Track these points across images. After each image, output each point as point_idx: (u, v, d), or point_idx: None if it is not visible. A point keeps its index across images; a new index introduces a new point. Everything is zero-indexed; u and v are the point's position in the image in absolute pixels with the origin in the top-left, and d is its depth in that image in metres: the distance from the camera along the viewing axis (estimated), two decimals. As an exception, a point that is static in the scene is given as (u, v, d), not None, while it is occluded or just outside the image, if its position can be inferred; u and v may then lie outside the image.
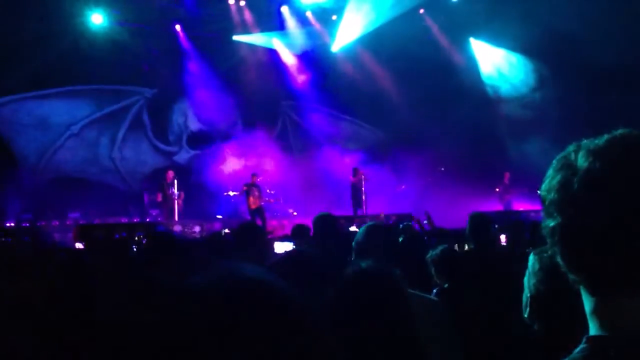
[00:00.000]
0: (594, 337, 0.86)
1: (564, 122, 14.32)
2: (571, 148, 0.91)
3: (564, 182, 0.88)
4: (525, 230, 7.11)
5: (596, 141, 0.89)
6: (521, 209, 14.97)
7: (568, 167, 0.88)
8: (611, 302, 0.84)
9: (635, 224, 0.81)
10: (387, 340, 0.59)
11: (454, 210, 15.02)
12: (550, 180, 0.91)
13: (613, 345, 0.83)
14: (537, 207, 15.06)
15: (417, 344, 0.66)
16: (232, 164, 16.82)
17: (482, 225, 4.75)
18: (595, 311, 0.86)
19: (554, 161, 0.92)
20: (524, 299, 1.80)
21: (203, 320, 0.63)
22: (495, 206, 15.29)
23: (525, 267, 1.85)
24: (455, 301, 2.86)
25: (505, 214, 14.29)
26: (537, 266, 1.76)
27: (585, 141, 0.90)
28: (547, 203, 0.91)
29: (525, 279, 1.81)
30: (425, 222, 7.76)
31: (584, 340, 0.87)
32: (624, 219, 0.81)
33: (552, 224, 0.89)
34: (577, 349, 0.87)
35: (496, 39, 17.61)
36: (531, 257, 1.83)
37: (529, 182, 16.12)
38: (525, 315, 1.78)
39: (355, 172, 15.02)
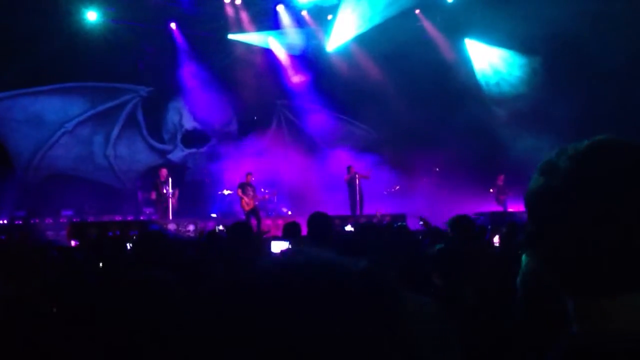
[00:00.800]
0: (573, 336, 0.87)
1: (561, 121, 14.34)
2: (555, 152, 0.92)
3: (544, 185, 0.90)
4: (518, 231, 7.14)
5: (577, 145, 0.90)
6: (516, 210, 14.99)
7: (550, 171, 0.90)
8: (592, 303, 0.86)
9: (613, 226, 0.82)
10: (380, 342, 0.59)
11: (450, 211, 15.08)
12: (532, 184, 0.93)
13: (592, 344, 0.84)
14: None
15: (411, 345, 0.66)
16: (226, 163, 16.80)
17: (459, 224, 4.85)
18: (576, 311, 0.88)
19: (538, 165, 0.94)
20: (517, 298, 1.80)
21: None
22: (492, 207, 15.32)
23: (518, 267, 1.85)
24: (450, 300, 2.86)
25: (500, 214, 14.32)
26: (529, 266, 1.77)
27: (568, 145, 0.92)
28: (529, 206, 0.93)
29: (518, 279, 1.82)
30: (421, 223, 7.78)
31: (565, 338, 0.88)
32: (601, 221, 0.83)
33: (532, 225, 0.91)
34: (557, 348, 0.88)
35: (491, 37, 17.61)
36: (524, 257, 1.83)
37: (524, 183, 16.17)
38: (517, 314, 1.78)
39: (348, 169, 15.02)
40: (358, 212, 14.62)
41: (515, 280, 1.86)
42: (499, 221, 11.94)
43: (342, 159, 16.74)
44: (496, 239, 6.83)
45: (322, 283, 0.65)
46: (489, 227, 8.48)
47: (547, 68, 16.37)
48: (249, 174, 13.86)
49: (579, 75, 15.01)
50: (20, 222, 13.65)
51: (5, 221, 13.80)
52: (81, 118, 16.23)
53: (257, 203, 13.50)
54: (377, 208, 14.55)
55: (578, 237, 0.84)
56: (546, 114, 15.59)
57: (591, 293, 0.85)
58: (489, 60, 18.44)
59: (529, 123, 15.95)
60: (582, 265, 0.84)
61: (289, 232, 5.21)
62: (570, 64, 15.21)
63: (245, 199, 13.30)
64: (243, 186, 13.46)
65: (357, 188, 14.80)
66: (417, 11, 17.87)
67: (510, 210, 15.17)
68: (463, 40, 18.55)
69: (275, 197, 15.40)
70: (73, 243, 8.45)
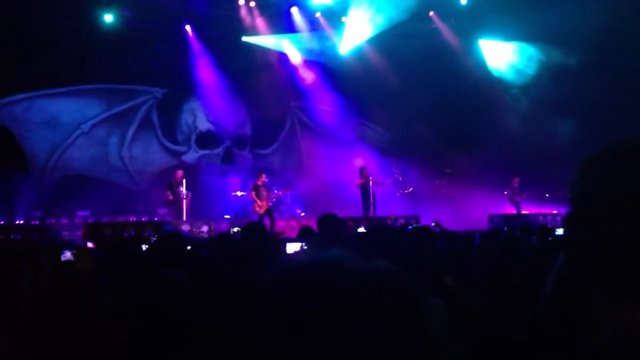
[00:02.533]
0: (606, 337, 0.87)
1: (582, 118, 14.14)
2: (598, 150, 0.91)
3: (588, 185, 0.89)
4: (532, 233, 7.11)
5: (621, 143, 0.89)
6: (530, 212, 14.92)
7: (594, 170, 0.89)
8: (627, 304, 0.85)
9: None
10: (400, 343, 0.61)
11: (463, 213, 15.04)
12: (576, 182, 0.92)
13: (625, 346, 0.83)
14: (545, 210, 15.02)
15: (430, 346, 0.68)
16: (240, 164, 16.89)
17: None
18: (610, 311, 0.87)
19: (581, 163, 0.93)
20: (544, 295, 1.79)
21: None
22: (507, 209, 15.26)
23: (532, 269, 1.86)
24: (462, 301, 2.86)
25: (514, 217, 14.26)
26: (566, 264, 1.76)
27: (610, 142, 0.91)
28: (572, 204, 0.92)
29: (550, 276, 1.80)
30: (433, 224, 7.78)
31: (596, 339, 0.88)
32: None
33: (575, 224, 0.90)
34: (589, 348, 0.88)
35: (506, 33, 17.44)
36: (560, 255, 1.82)
37: (539, 186, 16.07)
38: (542, 312, 1.78)
39: (361, 172, 14.99)
40: (371, 214, 14.61)
41: (529, 282, 1.87)
42: (514, 223, 11.90)
43: (355, 161, 16.76)
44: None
45: (341, 283, 0.67)
46: (505, 228, 8.45)
47: (566, 57, 15.95)
48: (261, 174, 13.89)
49: (603, 66, 14.67)
50: (37, 222, 13.81)
51: (22, 221, 13.97)
52: (97, 119, 16.38)
53: (270, 204, 13.53)
54: (389, 210, 14.55)
55: (622, 237, 0.83)
56: (565, 111, 15.32)
57: (627, 294, 0.84)
58: (505, 57, 18.21)
59: (546, 120, 15.71)
60: (622, 266, 0.83)
61: (304, 235, 5.24)
62: (593, 55, 14.85)
63: (258, 202, 13.34)
64: (256, 188, 13.50)
65: (370, 190, 14.79)
66: (431, 13, 17.85)
67: (524, 212, 15.10)
68: (477, 41, 18.49)
69: (289, 196, 15.39)
70: (89, 245, 8.54)
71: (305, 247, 4.94)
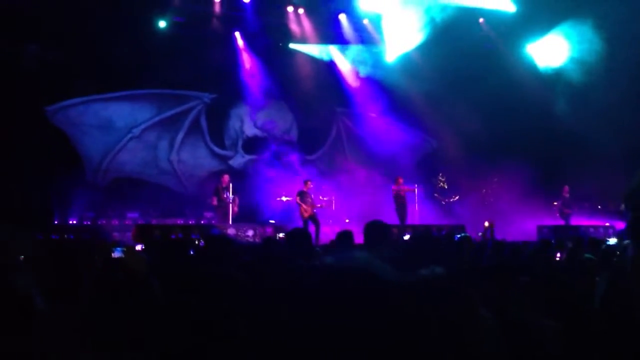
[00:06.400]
0: None
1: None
2: None
3: None
4: (584, 247, 6.90)
5: None
6: (580, 224, 14.50)
7: None
8: None
9: None
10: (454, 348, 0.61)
11: (511, 223, 14.74)
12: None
13: None
14: (596, 222, 14.56)
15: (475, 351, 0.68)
16: (285, 170, 17.01)
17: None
18: None
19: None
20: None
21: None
22: (555, 220, 14.86)
23: (584, 282, 1.81)
24: (510, 313, 2.81)
25: (563, 228, 13.89)
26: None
27: None
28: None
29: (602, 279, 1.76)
30: (480, 234, 7.65)
31: None
32: None
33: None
34: None
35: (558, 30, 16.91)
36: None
37: (591, 196, 15.58)
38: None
39: (395, 180, 14.91)
40: (406, 222, 14.52)
41: (578, 296, 1.82)
42: (563, 235, 11.59)
43: (399, 168, 16.66)
44: (558, 255, 6.63)
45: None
46: (553, 241, 8.24)
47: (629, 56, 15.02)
48: (307, 181, 13.96)
49: None
50: (89, 222, 14.24)
51: (75, 222, 14.43)
52: (148, 124, 16.79)
53: (315, 211, 13.58)
54: (433, 219, 14.38)
55: None
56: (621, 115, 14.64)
57: None
58: (557, 54, 17.49)
59: (599, 126, 15.02)
60: None
61: (341, 239, 5.21)
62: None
63: (304, 206, 13.41)
64: (302, 194, 13.57)
65: (404, 199, 14.74)
66: (481, 20, 17.62)
67: (573, 224, 14.67)
68: (526, 46, 18.10)
69: (333, 204, 15.44)
70: (138, 247, 8.73)
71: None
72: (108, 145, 16.22)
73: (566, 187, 14.97)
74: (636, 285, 0.90)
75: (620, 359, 1.72)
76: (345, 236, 5.15)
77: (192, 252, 4.76)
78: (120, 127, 16.41)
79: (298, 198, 13.56)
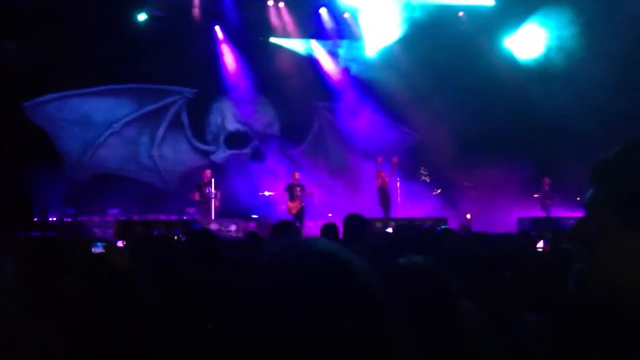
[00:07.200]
0: None
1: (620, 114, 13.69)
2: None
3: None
4: (563, 238, 6.99)
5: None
6: (561, 215, 14.67)
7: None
8: None
9: None
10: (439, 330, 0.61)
11: (492, 215, 14.87)
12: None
13: None
14: (577, 214, 14.74)
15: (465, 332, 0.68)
16: (268, 164, 16.97)
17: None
18: None
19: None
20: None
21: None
22: (535, 212, 15.01)
23: (561, 275, 1.82)
24: (492, 305, 2.83)
25: (545, 220, 14.03)
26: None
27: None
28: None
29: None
30: (460, 227, 7.72)
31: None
32: None
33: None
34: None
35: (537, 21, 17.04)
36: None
37: (571, 188, 15.71)
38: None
39: (377, 173, 14.94)
40: (391, 215, 14.58)
41: (558, 287, 1.84)
42: (543, 227, 11.72)
43: (382, 162, 16.69)
44: (540, 244, 6.72)
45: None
46: (533, 233, 8.33)
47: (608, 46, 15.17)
48: (295, 172, 13.90)
49: None
50: (70, 219, 14.08)
51: (55, 218, 14.26)
52: (128, 119, 16.64)
53: (304, 204, 13.47)
54: (416, 212, 14.43)
55: None
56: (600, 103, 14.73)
57: None
58: (535, 44, 17.57)
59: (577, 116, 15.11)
60: None
61: (326, 232, 5.21)
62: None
63: (290, 204, 13.38)
64: (290, 188, 13.49)
65: (388, 191, 14.78)
66: (461, 14, 17.70)
67: (554, 215, 14.84)
68: (504, 39, 18.21)
69: (317, 197, 15.37)
70: (119, 244, 8.66)
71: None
72: (88, 140, 16.05)
73: (546, 180, 15.12)
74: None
75: (595, 345, 1.74)
76: (330, 229, 5.16)
77: (175, 248, 4.74)
78: (99, 122, 16.23)
79: (287, 194, 13.51)
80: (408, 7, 16.68)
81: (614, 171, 0.91)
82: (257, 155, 17.92)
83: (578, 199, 15.79)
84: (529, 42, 17.79)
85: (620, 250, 0.86)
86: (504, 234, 9.25)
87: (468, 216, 8.07)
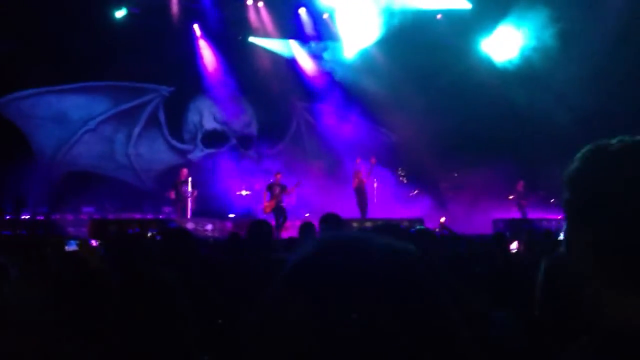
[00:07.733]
0: (605, 330, 0.86)
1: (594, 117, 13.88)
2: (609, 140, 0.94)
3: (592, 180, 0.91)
4: (538, 239, 7.10)
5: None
6: (536, 217, 14.85)
7: (602, 158, 0.92)
8: (628, 300, 0.84)
9: None
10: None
11: (468, 217, 15.00)
12: (580, 168, 0.93)
13: (624, 341, 0.83)
14: (551, 215, 14.94)
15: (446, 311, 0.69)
16: (245, 164, 16.92)
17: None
18: (611, 305, 0.87)
19: (585, 151, 0.94)
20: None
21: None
22: (512, 213, 15.17)
23: (533, 274, 1.86)
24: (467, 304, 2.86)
25: (519, 221, 14.20)
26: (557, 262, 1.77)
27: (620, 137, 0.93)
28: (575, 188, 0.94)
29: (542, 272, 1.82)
30: (437, 230, 7.79)
31: (594, 334, 0.87)
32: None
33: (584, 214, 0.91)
34: (585, 343, 0.87)
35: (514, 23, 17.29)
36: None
37: (545, 189, 15.93)
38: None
39: (355, 174, 14.86)
40: (367, 216, 14.58)
41: (530, 287, 1.87)
42: (518, 228, 11.86)
43: (360, 163, 16.73)
44: (514, 245, 6.80)
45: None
46: (507, 234, 8.44)
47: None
48: (277, 173, 13.81)
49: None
50: (42, 217, 13.86)
51: (28, 216, 14.03)
52: (104, 116, 16.45)
53: (282, 203, 13.40)
54: (394, 213, 14.49)
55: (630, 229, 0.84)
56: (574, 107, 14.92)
57: (629, 288, 0.84)
58: (511, 47, 17.79)
59: (550, 119, 15.32)
60: (629, 258, 0.84)
61: (305, 231, 5.23)
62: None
63: (265, 202, 13.34)
64: (270, 187, 13.42)
65: (365, 192, 14.76)
66: (439, 16, 17.84)
67: (529, 217, 15.01)
68: (481, 42, 18.37)
69: (294, 196, 15.32)
70: (93, 243, 8.57)
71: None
72: (62, 138, 15.83)
73: (521, 182, 15.29)
74: (571, 265, 0.91)
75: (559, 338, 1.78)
76: (308, 228, 5.19)
77: (149, 247, 4.69)
78: (75, 119, 16.02)
79: (268, 192, 13.42)
80: (386, 10, 16.76)
81: (575, 174, 0.92)
82: (235, 155, 17.84)
83: (552, 200, 16.05)
84: (506, 43, 17.98)
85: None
86: (478, 235, 9.35)
87: (442, 219, 8.13)
